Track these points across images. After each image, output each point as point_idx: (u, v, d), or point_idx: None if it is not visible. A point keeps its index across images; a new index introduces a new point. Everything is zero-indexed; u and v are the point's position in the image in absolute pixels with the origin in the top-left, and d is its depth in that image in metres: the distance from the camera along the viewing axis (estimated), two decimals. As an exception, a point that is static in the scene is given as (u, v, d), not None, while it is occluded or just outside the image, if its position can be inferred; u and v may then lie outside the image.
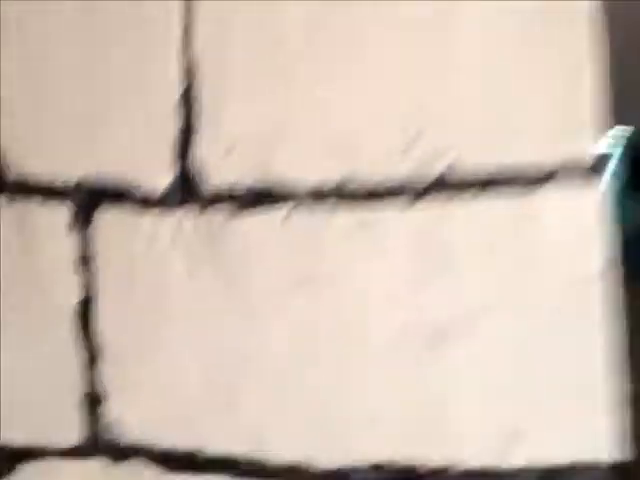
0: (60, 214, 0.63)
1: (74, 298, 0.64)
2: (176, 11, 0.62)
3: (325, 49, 0.62)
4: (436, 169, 0.60)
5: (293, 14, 0.61)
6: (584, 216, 0.58)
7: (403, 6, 0.60)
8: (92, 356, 0.63)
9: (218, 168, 0.62)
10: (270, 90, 0.62)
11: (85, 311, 0.63)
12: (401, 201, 0.61)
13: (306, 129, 0.62)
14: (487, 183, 0.61)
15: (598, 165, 0.57)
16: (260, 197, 0.62)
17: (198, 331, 0.61)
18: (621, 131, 1.64)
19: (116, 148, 0.63)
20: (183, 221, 0.62)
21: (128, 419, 0.63)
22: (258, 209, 0.62)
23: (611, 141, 1.59)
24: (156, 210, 0.63)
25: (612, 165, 1.58)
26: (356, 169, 0.61)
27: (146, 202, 0.63)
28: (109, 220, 0.63)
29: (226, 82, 0.62)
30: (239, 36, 0.62)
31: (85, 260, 0.63)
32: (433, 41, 0.60)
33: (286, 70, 0.62)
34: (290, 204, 0.61)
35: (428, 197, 0.61)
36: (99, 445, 0.63)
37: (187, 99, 0.63)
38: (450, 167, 0.60)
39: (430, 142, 0.60)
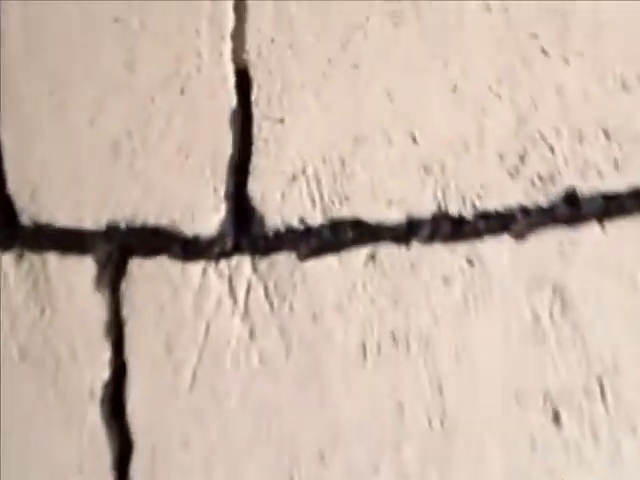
0: (84, 268, 0.51)
1: (103, 373, 0.51)
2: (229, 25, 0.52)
3: (404, 63, 0.52)
4: (550, 194, 0.51)
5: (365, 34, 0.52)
6: None
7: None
8: (125, 449, 0.50)
9: (279, 204, 0.51)
10: (342, 109, 0.52)
11: (116, 390, 0.50)
12: (507, 235, 0.51)
13: (389, 154, 0.51)
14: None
15: None
16: (332, 239, 0.51)
17: (262, 415, 0.49)
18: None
19: (152, 184, 0.51)
20: (239, 271, 0.50)
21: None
22: (330, 253, 0.51)
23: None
24: (204, 259, 0.51)
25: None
26: (451, 198, 0.51)
27: (191, 250, 0.51)
28: (145, 274, 0.51)
29: (288, 98, 0.52)
30: (302, 46, 0.52)
31: (116, 325, 0.51)
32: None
33: (360, 86, 0.52)
34: (370, 247, 0.51)
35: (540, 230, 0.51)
36: None
37: (241, 120, 0.52)
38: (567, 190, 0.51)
39: (535, 165, 0.51)
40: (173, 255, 0.51)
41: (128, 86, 0.52)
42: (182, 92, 0.53)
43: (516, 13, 0.53)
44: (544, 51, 0.53)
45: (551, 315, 0.51)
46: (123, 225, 0.52)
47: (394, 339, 0.51)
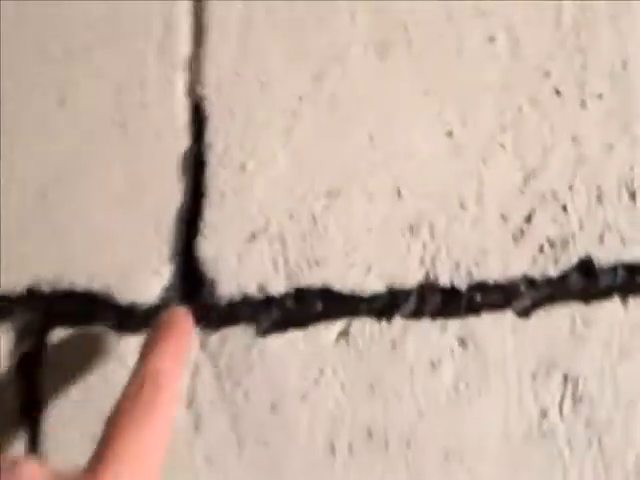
0: (-2, 338, 0.50)
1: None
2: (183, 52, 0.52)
3: (389, 103, 0.52)
4: (562, 262, 0.50)
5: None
6: None
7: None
8: None
9: (235, 269, 0.50)
10: (315, 156, 0.52)
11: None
12: (509, 312, 0.50)
13: (368, 211, 0.51)
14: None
15: None
16: (297, 311, 0.50)
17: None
18: None
19: (82, 241, 0.50)
20: (184, 348, 0.49)
21: None
22: (294, 328, 0.50)
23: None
24: (142, 332, 0.49)
25: None
26: (442, 265, 0.51)
27: (127, 320, 0.49)
28: (68, 346, 0.50)
29: (251, 141, 0.52)
30: (270, 80, 0.52)
31: (33, 409, 0.50)
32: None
33: (337, 129, 0.52)
34: (343, 322, 0.50)
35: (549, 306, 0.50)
36: None
37: (193, 166, 0.51)
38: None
39: (545, 228, 0.51)
40: (105, 326, 0.49)
41: (58, 123, 0.51)
42: (123, 131, 0.53)
43: (526, 46, 0.53)
44: (557, 92, 0.51)
45: (561, 409, 0.49)
46: (47, 289, 0.50)
47: (370, 436, 0.47)
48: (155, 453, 0.39)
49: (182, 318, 0.46)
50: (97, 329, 0.48)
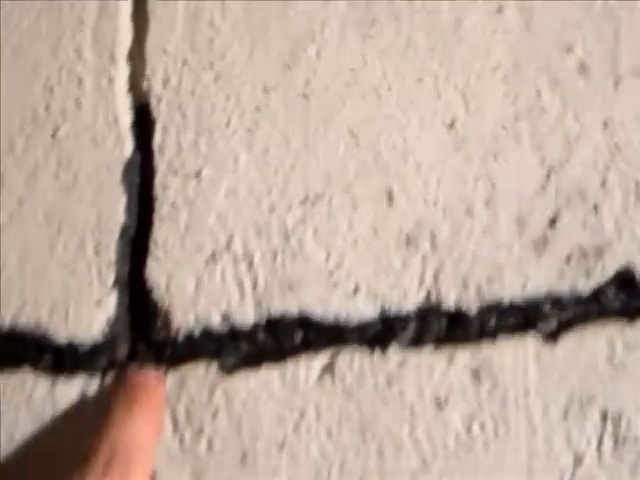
0: None
1: None
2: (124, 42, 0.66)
3: (376, 90, 0.66)
4: (595, 275, 0.62)
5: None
6: None
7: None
8: None
9: (193, 296, 0.64)
10: (286, 157, 0.66)
11: None
12: (531, 337, 0.62)
13: (354, 220, 0.64)
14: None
15: None
16: (270, 344, 0.62)
17: None
18: None
19: (9, 270, 0.65)
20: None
21: None
22: (267, 365, 0.63)
23: None
24: (84, 373, 0.63)
25: None
26: (447, 283, 0.63)
27: (65, 360, 0.64)
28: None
29: (207, 143, 0.66)
30: (228, 70, 0.66)
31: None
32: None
33: (311, 125, 0.66)
34: (327, 354, 0.62)
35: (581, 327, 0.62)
36: None
37: (139, 176, 0.67)
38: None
39: (572, 234, 0.63)
40: (39, 368, 0.63)
41: None
42: (54, 135, 0.66)
43: (542, 16, 0.65)
44: (583, 69, 0.65)
45: (600, 455, 0.59)
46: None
47: (362, 491, 0.61)
48: None
49: (153, 382, 0.60)
50: (29, 373, 0.60)
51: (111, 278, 0.64)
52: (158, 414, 0.60)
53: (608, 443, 0.60)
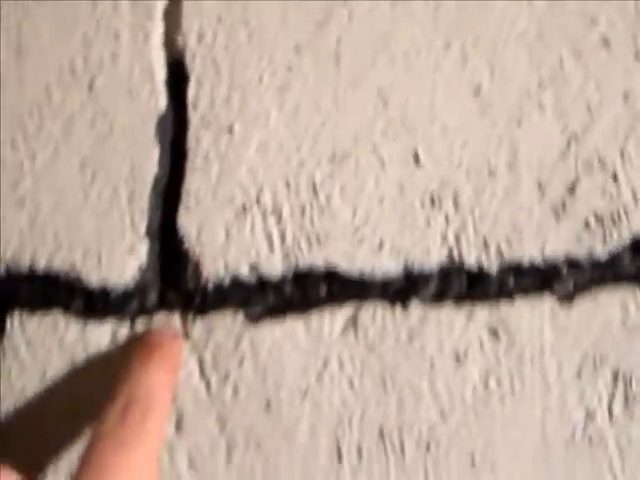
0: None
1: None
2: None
3: (404, 53, 0.64)
4: (611, 240, 0.61)
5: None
6: None
7: None
8: None
9: (223, 246, 0.63)
10: (316, 115, 0.64)
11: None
12: (548, 297, 0.61)
13: (380, 178, 0.63)
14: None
15: None
16: (296, 295, 0.61)
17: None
18: None
19: (44, 214, 0.63)
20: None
21: None
22: (293, 316, 0.61)
23: None
24: (114, 318, 0.62)
25: None
26: (469, 243, 0.62)
27: (97, 304, 0.62)
28: (30, 333, 0.62)
29: (240, 100, 0.64)
30: (260, 29, 0.64)
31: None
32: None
33: (341, 84, 0.64)
34: (350, 308, 0.61)
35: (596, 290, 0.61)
36: None
37: (173, 129, 0.65)
38: None
39: (591, 200, 0.62)
40: (71, 311, 0.61)
41: (15, 77, 0.64)
42: (90, 88, 0.64)
43: None
44: (606, 41, 0.63)
45: (610, 411, 0.59)
46: (2, 268, 0.62)
47: (382, 438, 0.59)
48: (148, 474, 0.52)
49: (172, 339, 0.59)
50: (61, 316, 0.59)
51: (143, 226, 0.63)
52: (172, 371, 0.58)
53: (619, 401, 0.60)
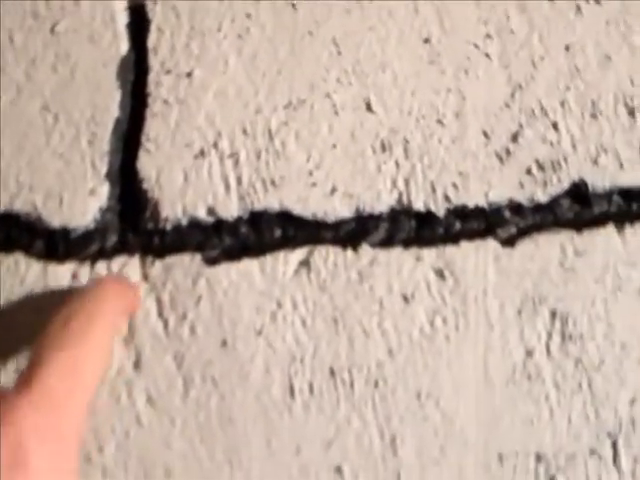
0: None
1: None
2: None
3: (358, 3, 0.58)
4: (551, 186, 0.56)
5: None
6: None
7: None
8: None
9: (181, 189, 0.55)
10: (272, 62, 0.57)
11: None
12: (492, 240, 0.55)
13: (334, 125, 0.56)
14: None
15: None
16: (251, 237, 0.55)
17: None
18: None
19: (4, 157, 0.55)
20: (124, 275, 0.54)
21: None
22: (248, 257, 0.54)
23: None
24: (75, 259, 0.54)
25: None
26: (417, 188, 0.56)
27: (58, 246, 0.55)
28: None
29: (199, 45, 0.57)
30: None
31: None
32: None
33: (297, 32, 0.57)
34: (303, 250, 0.55)
35: (536, 234, 0.55)
36: None
37: (134, 73, 0.57)
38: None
39: (533, 148, 0.56)
40: (32, 252, 0.54)
41: None
42: (52, 31, 0.57)
43: None
44: None
45: (548, 349, 0.54)
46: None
47: (333, 375, 0.53)
48: (91, 372, 0.46)
49: (129, 282, 0.53)
50: (22, 256, 0.52)
51: (104, 169, 0.56)
52: (125, 302, 0.52)
53: (556, 339, 0.55)
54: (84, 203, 0.55)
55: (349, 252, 0.55)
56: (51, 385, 0.43)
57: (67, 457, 0.43)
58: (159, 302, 0.54)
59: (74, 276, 0.54)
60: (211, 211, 0.55)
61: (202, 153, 0.56)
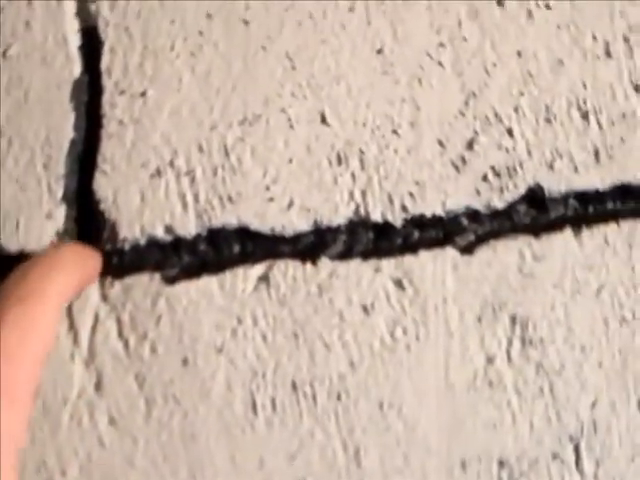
0: None
1: None
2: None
3: (310, 17, 0.54)
4: (507, 193, 0.52)
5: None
6: None
7: None
8: None
9: (138, 209, 0.51)
10: (226, 79, 0.53)
11: None
12: (450, 249, 0.52)
13: (289, 139, 0.52)
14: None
15: None
16: (210, 254, 0.51)
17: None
18: None
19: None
20: (82, 298, 0.50)
21: None
22: (207, 275, 0.51)
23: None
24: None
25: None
26: (374, 199, 0.52)
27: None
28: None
29: (153, 65, 0.53)
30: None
31: None
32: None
33: (251, 49, 0.54)
34: (262, 265, 0.51)
35: (494, 241, 0.52)
36: None
37: (88, 95, 0.53)
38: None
39: (488, 155, 0.53)
40: None
41: None
42: (4, 56, 0.52)
43: None
44: (500, 2, 0.54)
45: (509, 355, 0.50)
46: None
47: (295, 390, 0.49)
48: (45, 327, 0.43)
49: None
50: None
51: (60, 192, 0.51)
52: (82, 267, 0.48)
53: (516, 345, 0.51)
54: (41, 227, 0.51)
55: (308, 266, 0.51)
56: (4, 335, 0.41)
57: (18, 406, 0.41)
58: (119, 322, 0.50)
59: (32, 301, 0.50)
60: (169, 230, 0.51)
61: (158, 172, 0.52)
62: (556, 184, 0.53)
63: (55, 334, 0.45)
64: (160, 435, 0.49)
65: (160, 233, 0.51)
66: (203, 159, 0.52)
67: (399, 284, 0.51)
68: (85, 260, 0.48)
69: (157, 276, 0.51)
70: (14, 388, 0.41)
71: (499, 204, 0.52)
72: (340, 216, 0.52)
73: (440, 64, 0.54)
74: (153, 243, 0.51)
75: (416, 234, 0.52)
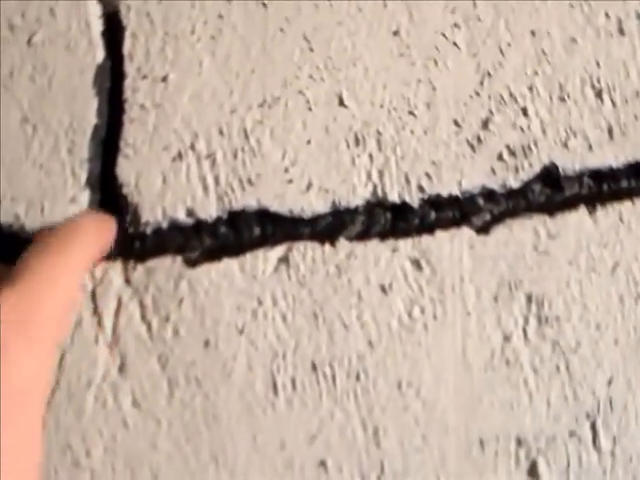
0: None
1: None
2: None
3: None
4: (523, 172, 0.41)
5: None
6: None
7: None
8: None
9: (160, 192, 0.40)
10: (246, 63, 0.42)
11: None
12: (466, 228, 0.41)
13: (308, 121, 0.41)
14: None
15: None
16: (231, 237, 0.41)
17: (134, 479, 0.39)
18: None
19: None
20: (105, 281, 0.40)
21: None
22: (228, 257, 0.40)
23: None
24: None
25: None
26: (392, 180, 0.41)
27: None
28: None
29: (173, 50, 0.42)
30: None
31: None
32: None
33: (269, 32, 0.42)
34: (282, 247, 0.41)
35: (510, 220, 0.41)
36: None
37: (110, 80, 0.41)
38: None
39: (503, 134, 0.41)
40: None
41: None
42: (29, 42, 0.42)
43: None
44: None
45: (525, 333, 0.40)
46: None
47: (314, 370, 0.38)
48: (70, 280, 0.35)
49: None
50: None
51: (84, 176, 0.40)
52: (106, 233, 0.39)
53: (533, 323, 0.40)
54: (65, 211, 0.39)
55: (327, 247, 0.40)
56: (32, 286, 0.33)
57: (43, 346, 0.33)
58: (142, 305, 0.39)
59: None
60: (190, 213, 0.40)
61: (180, 155, 0.40)
62: (570, 162, 0.41)
63: (78, 299, 0.38)
64: (183, 416, 0.38)
65: (182, 216, 0.40)
66: (223, 142, 0.41)
67: (416, 264, 0.40)
68: (101, 224, 0.38)
69: (179, 259, 0.40)
70: (40, 331, 0.33)
71: (514, 183, 0.41)
72: (358, 197, 0.41)
73: (455, 45, 0.42)
74: (175, 226, 0.40)
75: (433, 214, 0.41)
